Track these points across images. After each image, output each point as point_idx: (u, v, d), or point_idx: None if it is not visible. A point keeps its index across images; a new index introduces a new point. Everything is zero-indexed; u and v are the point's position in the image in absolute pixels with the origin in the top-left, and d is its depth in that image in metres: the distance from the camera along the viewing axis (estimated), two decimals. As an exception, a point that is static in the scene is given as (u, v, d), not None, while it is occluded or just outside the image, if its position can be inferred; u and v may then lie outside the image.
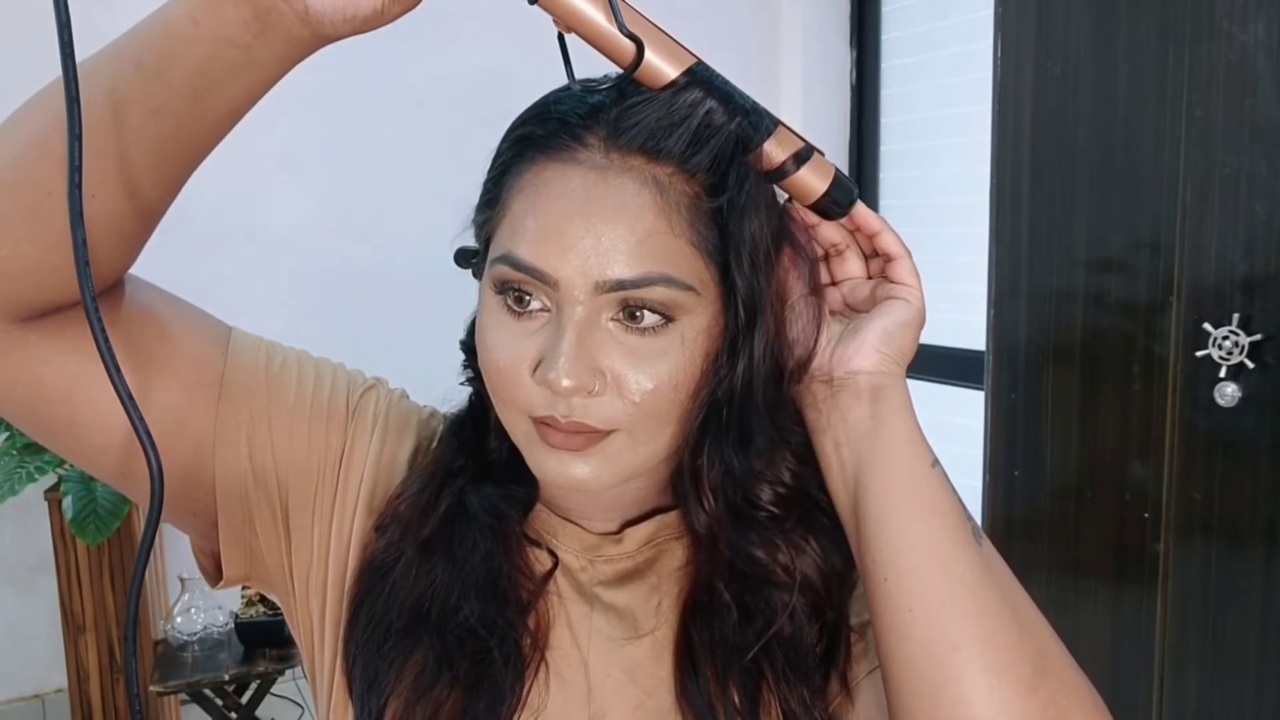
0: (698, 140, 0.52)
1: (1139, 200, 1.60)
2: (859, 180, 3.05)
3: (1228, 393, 1.48)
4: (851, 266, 0.60)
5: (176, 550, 2.41)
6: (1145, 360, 1.61)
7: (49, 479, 2.07)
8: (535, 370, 0.54)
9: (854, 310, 0.60)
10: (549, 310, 0.54)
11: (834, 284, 0.61)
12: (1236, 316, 1.47)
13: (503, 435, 0.60)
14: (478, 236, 0.60)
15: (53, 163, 0.47)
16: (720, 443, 0.57)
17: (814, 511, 0.60)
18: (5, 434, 2.06)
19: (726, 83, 0.54)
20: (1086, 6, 1.66)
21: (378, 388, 0.67)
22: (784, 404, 0.58)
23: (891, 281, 0.58)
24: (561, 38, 0.52)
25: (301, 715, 2.45)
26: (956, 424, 2.48)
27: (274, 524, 0.63)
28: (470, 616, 0.60)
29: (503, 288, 0.55)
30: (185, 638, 2.07)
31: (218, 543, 0.62)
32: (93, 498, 1.99)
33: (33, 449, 2.03)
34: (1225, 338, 1.48)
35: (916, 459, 0.55)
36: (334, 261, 2.61)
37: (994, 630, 0.51)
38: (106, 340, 0.45)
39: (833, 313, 0.60)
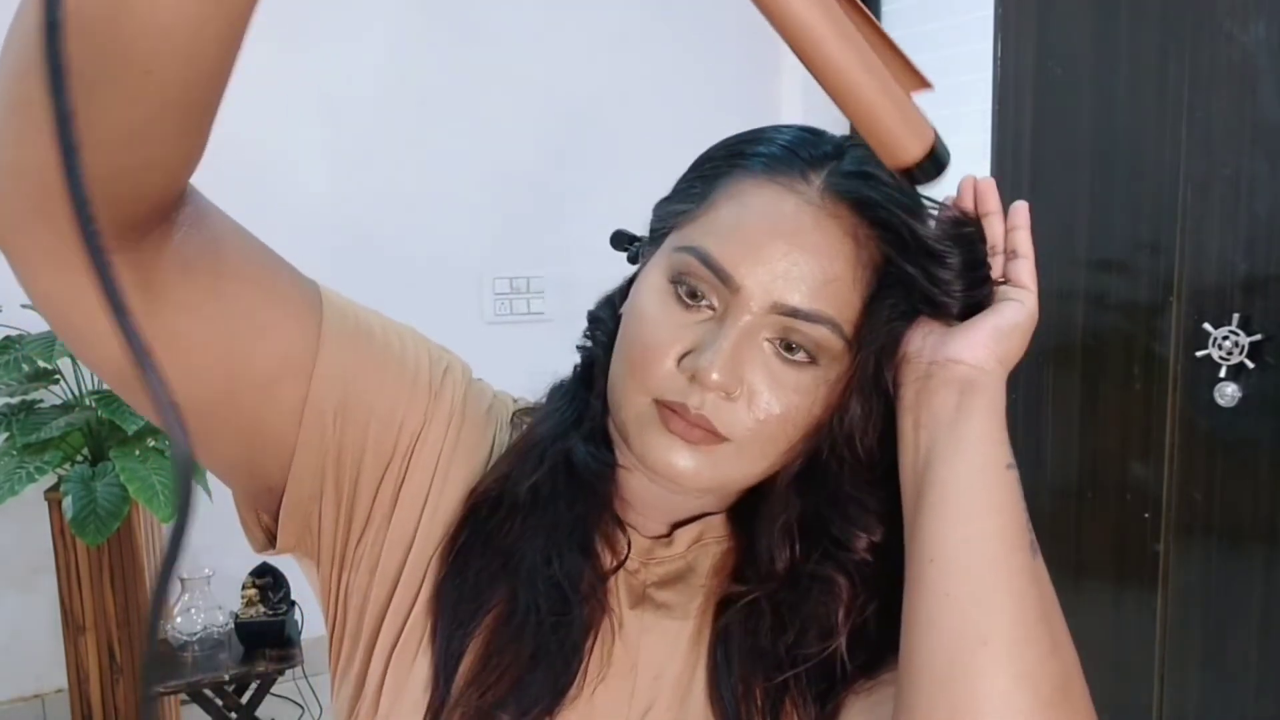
0: (914, 221, 0.55)
1: (1139, 200, 1.60)
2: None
3: (1228, 393, 1.48)
4: None
5: (176, 550, 2.40)
6: (1145, 360, 1.61)
7: (49, 479, 2.06)
8: (682, 359, 0.56)
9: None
10: (715, 310, 0.56)
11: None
12: (1236, 316, 1.47)
13: (596, 417, 0.61)
14: (658, 224, 0.62)
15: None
16: (802, 496, 0.59)
17: (883, 580, 0.59)
18: (5, 434, 2.05)
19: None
20: (1087, 6, 1.66)
21: (453, 367, 0.66)
22: (865, 480, 0.59)
23: (1008, 282, 0.59)
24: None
25: (301, 715, 2.45)
26: (956, 424, 2.48)
27: (337, 498, 0.61)
28: (558, 571, 0.61)
29: (679, 277, 0.57)
30: (185, 638, 2.07)
31: (269, 507, 0.61)
32: (93, 498, 1.99)
33: (32, 449, 2.02)
34: (1225, 338, 1.48)
35: (992, 457, 0.54)
36: (345, 245, 2.60)
37: (1028, 638, 0.50)
38: (128, 316, 0.30)
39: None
